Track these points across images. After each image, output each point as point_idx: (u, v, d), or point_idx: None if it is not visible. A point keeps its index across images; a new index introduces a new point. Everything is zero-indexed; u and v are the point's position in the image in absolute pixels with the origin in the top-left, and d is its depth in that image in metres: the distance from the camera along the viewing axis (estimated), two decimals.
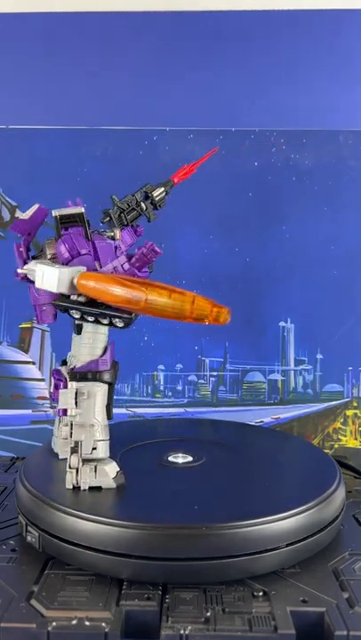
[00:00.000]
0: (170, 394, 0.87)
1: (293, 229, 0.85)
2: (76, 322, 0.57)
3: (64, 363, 0.60)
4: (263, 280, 0.85)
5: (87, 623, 0.45)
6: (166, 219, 0.86)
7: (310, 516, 0.53)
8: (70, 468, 0.57)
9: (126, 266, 0.57)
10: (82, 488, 0.56)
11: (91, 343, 0.58)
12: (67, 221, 0.59)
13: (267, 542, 0.51)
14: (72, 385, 0.57)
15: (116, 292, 0.52)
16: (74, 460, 0.57)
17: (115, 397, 0.87)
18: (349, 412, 0.87)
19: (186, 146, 0.85)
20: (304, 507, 0.53)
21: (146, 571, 0.50)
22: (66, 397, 0.57)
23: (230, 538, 0.50)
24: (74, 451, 0.57)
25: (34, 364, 0.87)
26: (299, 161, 0.85)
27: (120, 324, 0.56)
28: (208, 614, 0.46)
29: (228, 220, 0.84)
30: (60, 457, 0.63)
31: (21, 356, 0.87)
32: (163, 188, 0.61)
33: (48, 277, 0.55)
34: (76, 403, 0.57)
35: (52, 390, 0.60)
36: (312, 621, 0.46)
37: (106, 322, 0.56)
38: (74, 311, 0.55)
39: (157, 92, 0.88)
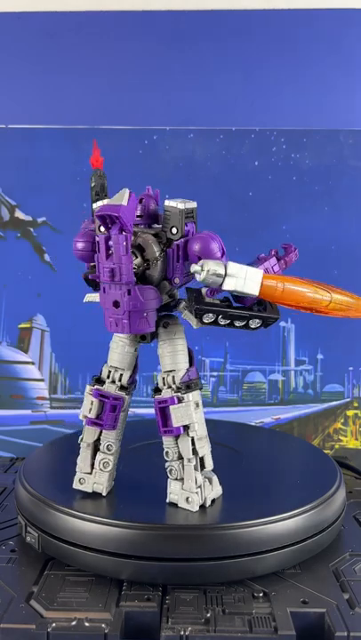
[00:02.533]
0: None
1: (294, 229, 0.85)
2: (204, 325, 0.52)
3: (97, 380, 0.56)
4: None
5: (87, 624, 0.45)
6: None
7: (311, 516, 0.53)
8: (197, 486, 0.52)
9: (276, 267, 0.54)
10: (207, 505, 0.53)
11: (181, 350, 0.54)
12: (188, 216, 0.52)
13: (267, 543, 0.51)
14: (188, 397, 0.52)
15: (307, 293, 0.50)
16: (200, 478, 0.53)
17: None
18: (350, 413, 0.87)
19: (186, 145, 0.85)
20: (305, 507, 0.53)
21: (146, 571, 0.50)
22: (186, 411, 0.52)
23: (230, 538, 0.50)
24: (196, 468, 0.53)
25: (33, 364, 0.87)
26: (299, 161, 0.85)
27: (256, 325, 0.53)
28: (208, 615, 0.46)
29: (228, 219, 0.84)
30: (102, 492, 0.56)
31: (21, 357, 0.87)
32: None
33: (251, 279, 0.49)
34: None
35: (87, 415, 0.55)
36: (312, 622, 0.46)
37: (242, 324, 0.52)
38: (219, 316, 0.51)
39: (157, 92, 0.88)
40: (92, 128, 0.85)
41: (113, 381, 0.55)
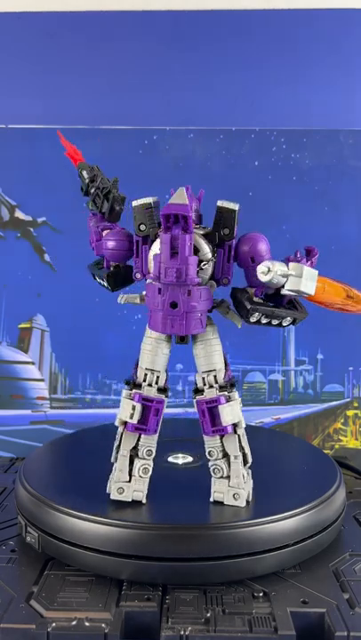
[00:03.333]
0: (170, 394, 0.87)
1: (294, 229, 0.85)
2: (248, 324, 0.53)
3: (129, 383, 0.54)
4: None
5: (87, 624, 0.45)
6: None
7: (311, 516, 0.53)
8: (244, 482, 0.53)
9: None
10: (250, 499, 0.54)
11: (218, 350, 0.54)
12: None
13: (267, 543, 0.51)
14: (235, 395, 0.54)
15: (342, 293, 0.53)
16: (245, 474, 0.54)
17: (115, 397, 0.87)
18: (350, 413, 0.87)
19: (186, 145, 0.85)
20: (304, 507, 0.53)
21: (146, 571, 0.50)
22: (235, 410, 0.53)
23: (230, 538, 0.50)
24: (241, 464, 0.54)
25: (33, 364, 0.87)
26: (299, 161, 0.85)
27: (287, 324, 0.54)
28: (208, 615, 0.46)
29: None
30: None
31: (21, 357, 0.87)
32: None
33: (309, 279, 0.51)
34: None
35: (128, 421, 0.53)
36: (312, 622, 0.46)
37: (278, 322, 0.53)
38: (263, 315, 0.52)
39: (157, 92, 0.88)
40: (92, 128, 0.85)
41: (149, 384, 0.54)
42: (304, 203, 0.85)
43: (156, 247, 0.52)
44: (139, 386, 0.54)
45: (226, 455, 0.54)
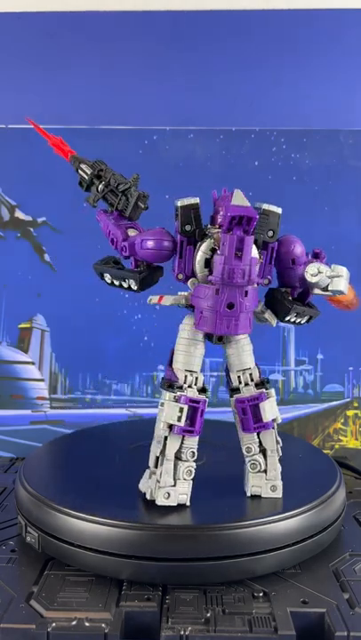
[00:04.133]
0: None
1: (294, 229, 0.85)
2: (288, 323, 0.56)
3: (172, 385, 0.54)
4: None
5: (87, 624, 0.45)
6: (166, 218, 0.86)
7: (311, 516, 0.53)
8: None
9: None
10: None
11: (250, 348, 0.56)
12: None
13: (267, 543, 0.51)
14: (272, 392, 0.56)
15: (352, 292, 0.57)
16: (279, 466, 0.56)
17: (115, 397, 0.87)
18: (350, 413, 0.87)
19: (186, 145, 0.85)
20: (304, 507, 0.53)
21: (146, 571, 0.50)
22: (274, 405, 0.55)
23: (230, 538, 0.50)
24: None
25: (33, 364, 0.87)
26: (299, 161, 0.85)
27: (304, 322, 0.57)
28: (208, 615, 0.46)
29: None
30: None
31: (21, 357, 0.87)
32: None
33: (346, 279, 0.53)
34: None
35: (176, 424, 0.52)
36: (312, 622, 0.46)
37: (303, 320, 0.56)
38: (296, 314, 0.55)
39: (157, 92, 0.88)
40: (92, 128, 0.85)
41: (190, 386, 0.54)
42: (304, 203, 0.85)
43: (205, 248, 0.52)
44: (180, 387, 0.53)
45: (262, 450, 0.56)
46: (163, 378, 0.55)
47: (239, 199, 0.50)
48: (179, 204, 0.53)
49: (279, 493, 0.55)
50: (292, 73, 0.88)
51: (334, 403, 0.87)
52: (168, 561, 0.49)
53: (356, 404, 0.87)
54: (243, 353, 0.56)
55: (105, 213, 0.57)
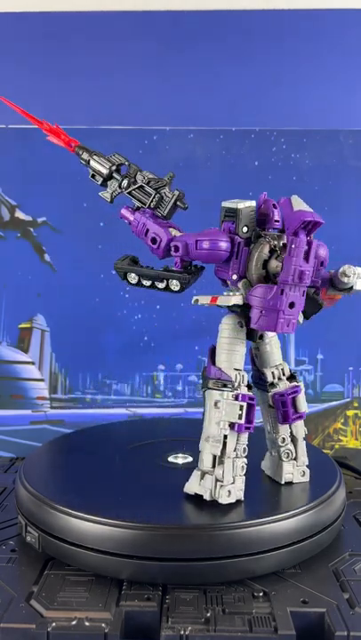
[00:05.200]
0: (170, 394, 0.87)
1: None
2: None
3: (226, 385, 0.54)
4: None
5: (87, 624, 0.45)
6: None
7: (311, 516, 0.53)
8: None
9: None
10: None
11: (279, 345, 0.60)
12: None
13: (267, 543, 0.51)
14: (302, 384, 0.60)
15: None
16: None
17: (115, 397, 0.87)
18: (350, 413, 0.87)
19: (186, 145, 0.85)
20: (304, 507, 0.53)
21: (146, 571, 0.50)
22: (305, 397, 0.59)
23: (230, 538, 0.50)
24: None
25: (33, 364, 0.87)
26: (299, 161, 0.85)
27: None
28: (208, 615, 0.46)
29: None
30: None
31: (21, 356, 0.87)
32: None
33: None
34: None
35: (242, 421, 0.53)
36: (312, 622, 0.46)
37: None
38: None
39: (157, 92, 0.88)
40: (92, 128, 0.85)
41: (239, 384, 0.55)
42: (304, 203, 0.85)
43: (266, 249, 0.53)
44: (232, 386, 0.54)
45: (292, 439, 0.59)
46: (207, 377, 0.55)
47: (303, 205, 0.52)
48: (240, 206, 0.54)
49: (307, 477, 0.59)
50: (292, 73, 0.88)
51: (334, 403, 0.87)
52: (168, 561, 0.49)
53: (356, 404, 0.87)
54: (275, 349, 0.59)
55: (140, 211, 0.57)
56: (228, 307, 0.55)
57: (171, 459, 0.64)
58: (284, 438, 0.59)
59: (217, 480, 0.53)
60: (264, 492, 0.58)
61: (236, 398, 0.53)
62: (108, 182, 0.58)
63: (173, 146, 0.85)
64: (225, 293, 0.54)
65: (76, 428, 0.83)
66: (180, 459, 0.64)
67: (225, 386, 0.54)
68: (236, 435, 0.53)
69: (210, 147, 0.86)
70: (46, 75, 0.88)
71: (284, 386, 0.59)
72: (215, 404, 0.53)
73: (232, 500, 0.53)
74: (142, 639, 0.46)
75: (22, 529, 0.56)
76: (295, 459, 0.59)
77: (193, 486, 0.54)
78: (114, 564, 0.50)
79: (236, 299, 0.54)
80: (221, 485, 0.53)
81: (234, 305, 0.54)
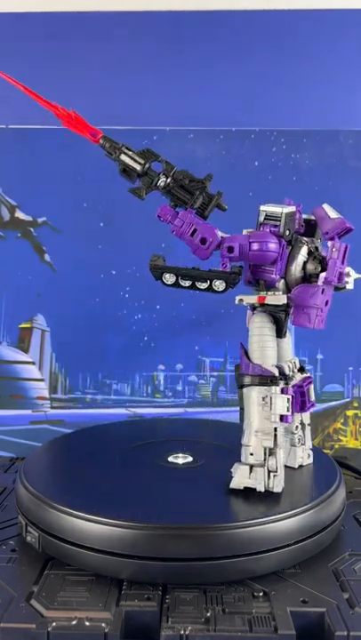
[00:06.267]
0: (170, 394, 0.87)
1: None
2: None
3: (275, 379, 0.57)
4: None
5: (87, 623, 0.45)
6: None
7: (311, 516, 0.53)
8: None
9: None
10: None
11: None
12: None
13: (267, 542, 0.51)
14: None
15: None
16: None
17: (115, 397, 0.87)
18: (350, 413, 0.87)
19: (186, 146, 0.85)
20: (304, 507, 0.53)
21: (146, 571, 0.50)
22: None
23: (230, 538, 0.50)
24: None
25: (34, 364, 0.87)
26: (299, 161, 0.85)
27: None
28: (208, 614, 0.46)
29: (228, 219, 0.84)
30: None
31: (21, 356, 0.87)
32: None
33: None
34: None
35: (289, 413, 0.56)
36: (312, 622, 0.46)
37: None
38: None
39: (157, 92, 0.88)
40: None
41: (280, 378, 0.57)
42: (304, 203, 0.85)
43: (305, 252, 0.58)
44: (278, 380, 0.57)
45: (303, 426, 0.63)
46: (247, 375, 0.56)
47: (335, 212, 0.58)
48: (285, 210, 0.57)
49: (311, 459, 0.64)
50: (292, 73, 0.88)
51: (334, 403, 0.87)
52: (168, 561, 0.49)
53: (355, 404, 0.87)
54: (289, 345, 0.62)
55: (187, 210, 0.58)
56: (257, 305, 0.58)
57: (171, 459, 0.64)
58: (297, 426, 0.63)
59: (270, 471, 0.56)
60: (263, 491, 0.58)
61: (282, 392, 0.56)
62: (141, 179, 0.57)
63: (173, 146, 0.85)
64: (270, 293, 0.57)
65: (76, 427, 0.83)
66: (181, 459, 0.64)
67: (270, 381, 0.56)
68: (282, 426, 0.57)
69: (210, 147, 0.86)
70: (46, 75, 0.88)
71: (299, 377, 0.62)
72: (262, 399, 0.56)
73: (280, 488, 0.56)
74: (142, 639, 0.46)
75: (22, 529, 0.56)
76: (304, 443, 0.63)
77: (242, 481, 0.56)
78: (114, 563, 0.50)
79: (284, 298, 0.57)
80: (275, 475, 0.55)
81: (269, 304, 0.58)
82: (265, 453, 0.56)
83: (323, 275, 0.56)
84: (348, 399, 0.87)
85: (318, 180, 0.85)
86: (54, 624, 0.45)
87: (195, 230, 0.57)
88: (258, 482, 0.56)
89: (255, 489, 0.56)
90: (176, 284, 0.57)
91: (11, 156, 0.86)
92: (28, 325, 0.87)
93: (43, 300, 0.87)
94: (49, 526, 0.53)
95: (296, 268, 0.57)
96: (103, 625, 0.45)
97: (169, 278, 0.57)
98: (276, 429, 0.56)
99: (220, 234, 0.57)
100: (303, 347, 0.86)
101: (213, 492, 0.57)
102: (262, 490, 0.55)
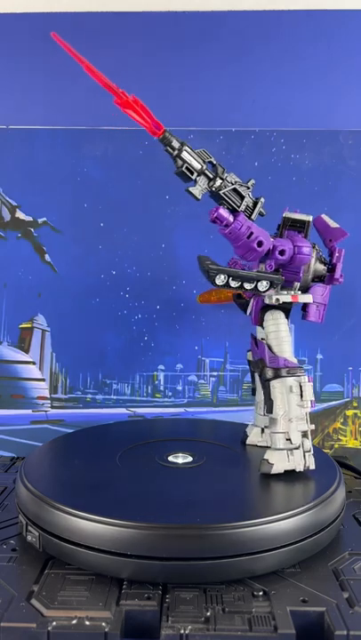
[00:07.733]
0: (170, 394, 0.87)
1: None
2: None
3: (295, 369, 0.61)
4: None
5: (87, 623, 0.45)
6: (166, 218, 0.86)
7: (310, 516, 0.53)
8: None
9: None
10: None
11: None
12: None
13: (267, 542, 0.51)
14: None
15: None
16: None
17: (115, 397, 0.88)
18: (349, 412, 0.87)
19: None
20: (304, 507, 0.53)
21: (146, 570, 0.50)
22: None
23: (230, 538, 0.50)
24: None
25: (34, 363, 0.87)
26: (299, 161, 0.85)
27: None
28: (208, 614, 0.46)
29: None
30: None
31: (21, 356, 0.87)
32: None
33: None
34: None
35: (313, 398, 0.61)
36: (312, 621, 0.46)
37: None
38: None
39: (157, 92, 0.88)
40: (92, 128, 0.85)
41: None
42: (304, 203, 0.85)
43: (315, 254, 0.64)
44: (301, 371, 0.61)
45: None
46: (276, 368, 0.60)
47: (333, 222, 0.67)
48: (310, 219, 0.63)
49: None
50: (293, 73, 0.88)
51: (334, 402, 0.87)
52: (168, 560, 0.49)
53: (355, 404, 0.87)
54: None
55: (243, 213, 0.59)
56: (274, 303, 0.62)
57: (171, 459, 0.65)
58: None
59: (305, 452, 0.60)
60: (264, 491, 0.58)
61: (308, 380, 0.60)
62: (199, 178, 0.57)
63: None
64: (293, 293, 0.62)
65: (77, 427, 0.83)
66: (180, 458, 0.65)
67: (298, 371, 0.60)
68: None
69: (210, 147, 0.85)
70: (46, 75, 0.88)
71: None
72: (291, 388, 0.59)
73: (314, 465, 0.60)
74: (142, 638, 0.46)
75: (23, 528, 0.56)
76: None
77: (282, 465, 0.60)
78: (114, 563, 0.50)
79: (310, 297, 0.62)
80: (311, 454, 0.60)
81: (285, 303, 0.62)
82: (301, 437, 0.60)
83: (333, 276, 0.63)
84: (347, 399, 0.87)
85: (318, 181, 0.85)
86: (54, 623, 0.45)
87: (252, 233, 0.58)
88: (297, 463, 0.60)
89: (255, 490, 0.56)
90: (226, 285, 0.59)
91: (11, 157, 0.86)
92: (28, 325, 0.87)
93: (43, 299, 0.87)
94: (49, 526, 0.53)
95: (310, 270, 0.63)
96: (103, 624, 0.45)
97: (223, 279, 0.59)
98: (307, 414, 0.60)
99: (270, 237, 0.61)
100: (303, 347, 0.86)
101: (213, 492, 0.57)
102: (301, 469, 0.59)
